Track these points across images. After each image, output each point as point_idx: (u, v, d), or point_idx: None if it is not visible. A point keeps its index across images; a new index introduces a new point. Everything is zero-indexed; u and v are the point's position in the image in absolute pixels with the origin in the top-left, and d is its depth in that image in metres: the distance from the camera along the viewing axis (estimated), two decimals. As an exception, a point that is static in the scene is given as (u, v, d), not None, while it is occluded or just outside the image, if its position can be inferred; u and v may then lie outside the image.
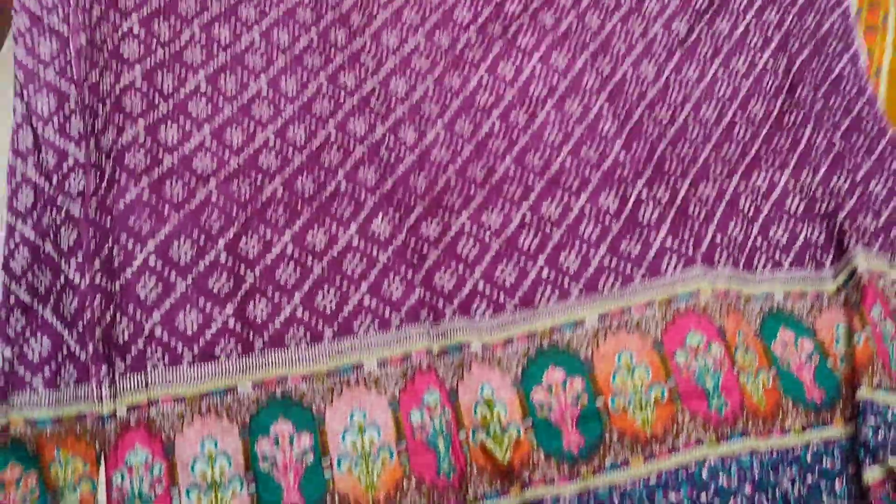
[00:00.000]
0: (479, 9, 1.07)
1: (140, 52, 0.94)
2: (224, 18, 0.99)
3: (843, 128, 1.05)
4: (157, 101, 0.92)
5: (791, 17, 1.14)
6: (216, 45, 0.97)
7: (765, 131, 1.04)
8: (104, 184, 0.86)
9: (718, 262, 0.90)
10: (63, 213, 0.84)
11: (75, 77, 0.90)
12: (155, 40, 0.95)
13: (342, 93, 0.97)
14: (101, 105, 0.90)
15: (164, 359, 0.80)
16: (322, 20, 1.02)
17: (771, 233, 0.95)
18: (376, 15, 1.04)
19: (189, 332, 0.81)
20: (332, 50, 1.00)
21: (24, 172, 0.86)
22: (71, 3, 0.94)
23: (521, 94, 1.01)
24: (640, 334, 0.85)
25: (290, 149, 0.93)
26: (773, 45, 1.11)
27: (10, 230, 0.84)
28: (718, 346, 0.84)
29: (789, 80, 1.09)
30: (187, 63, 0.95)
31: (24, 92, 0.89)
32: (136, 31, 0.95)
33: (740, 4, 1.14)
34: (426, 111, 0.99)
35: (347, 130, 0.95)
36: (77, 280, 0.81)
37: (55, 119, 0.88)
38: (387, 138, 0.95)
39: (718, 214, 0.94)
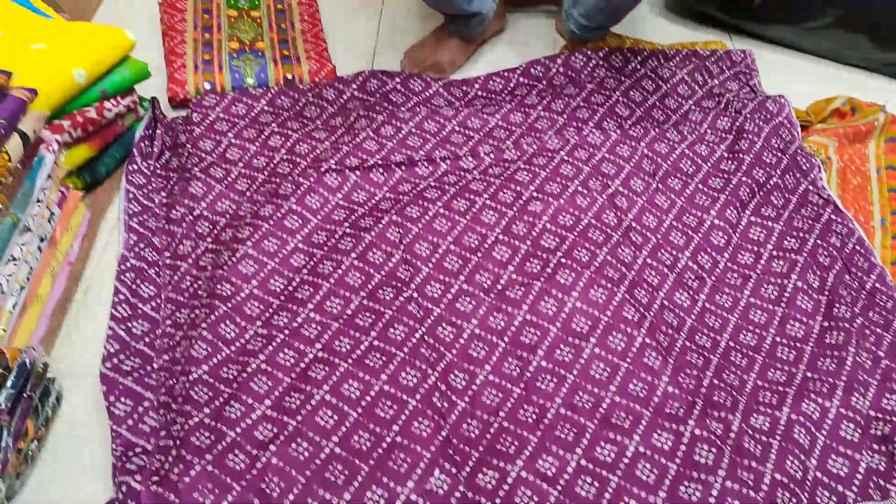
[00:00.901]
0: (517, 245, 1.13)
1: (208, 352, 1.01)
2: (282, 305, 1.07)
3: (885, 344, 1.06)
4: (222, 389, 0.96)
5: (813, 237, 1.19)
6: (275, 329, 1.04)
7: (808, 354, 1.05)
8: (167, 463, 0.88)
9: (781, 503, 0.89)
10: (123, 489, 0.86)
11: (153, 384, 0.95)
12: (221, 342, 1.02)
13: (391, 348, 1.01)
14: (172, 402, 0.95)
15: None
16: (371, 281, 1.09)
17: (829, 465, 0.94)
18: (421, 267, 1.10)
19: None
20: (380, 307, 1.06)
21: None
22: (157, 332, 1.06)
23: (565, 332, 1.04)
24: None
25: (345, 406, 0.96)
26: (799, 266, 1.15)
27: None
28: None
29: (825, 298, 1.11)
30: (249, 350, 1.01)
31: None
32: (205, 335, 1.02)
33: (759, 237, 1.19)
34: (473, 354, 1.02)
35: (399, 382, 0.98)
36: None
37: (130, 420, 0.94)
38: (438, 387, 0.98)
39: (775, 450, 0.93)
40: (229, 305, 1.06)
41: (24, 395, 0.93)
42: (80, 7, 1.62)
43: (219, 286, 1.09)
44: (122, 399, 0.99)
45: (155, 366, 1.02)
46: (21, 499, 0.94)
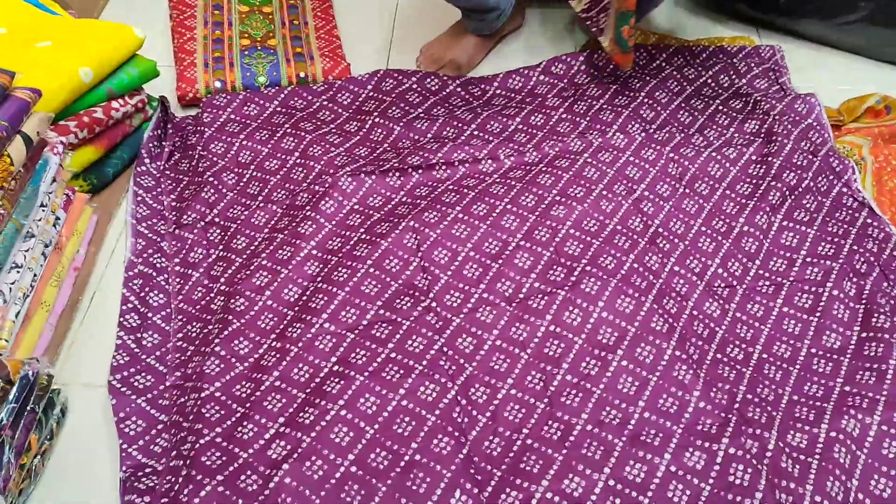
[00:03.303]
0: (539, 252, 1.09)
1: (220, 369, 0.97)
2: (296, 316, 1.04)
3: (927, 356, 1.01)
4: (235, 407, 0.92)
5: (849, 242, 1.13)
6: (289, 342, 1.00)
7: (845, 367, 1.00)
8: (177, 484, 0.84)
9: (823, 527, 0.84)
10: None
11: (167, 404, 0.93)
12: (234, 358, 0.98)
13: (409, 360, 0.97)
14: (184, 421, 0.91)
15: None
16: (387, 290, 1.04)
17: (871, 486, 0.89)
18: (439, 275, 1.06)
19: None
20: (397, 318, 1.01)
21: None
22: (168, 346, 1.03)
23: (590, 343, 0.99)
24: None
25: (361, 422, 0.91)
26: (835, 273, 1.10)
27: None
28: None
29: (863, 307, 1.06)
30: (263, 366, 0.97)
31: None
32: (218, 351, 0.99)
33: (791, 243, 1.14)
34: (495, 367, 0.97)
35: (418, 397, 0.94)
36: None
37: (141, 440, 0.92)
38: (459, 401, 0.94)
39: (814, 470, 0.88)
40: (243, 321, 1.02)
41: (27, 408, 0.90)
42: (88, 4, 1.58)
43: (232, 301, 1.05)
44: (134, 419, 0.95)
45: (167, 383, 0.98)
46: (23, 517, 0.91)
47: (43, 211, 1.03)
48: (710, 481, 0.87)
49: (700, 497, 0.86)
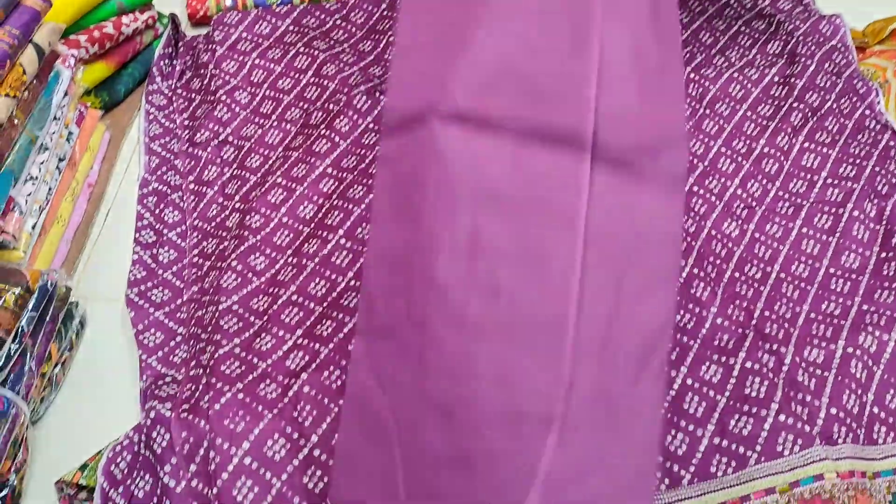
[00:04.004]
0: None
1: (237, 283, 0.97)
2: (312, 233, 1.04)
3: (948, 276, 1.00)
4: (253, 320, 0.93)
5: (870, 164, 1.12)
6: (305, 258, 1.00)
7: (864, 286, 0.99)
8: (197, 391, 0.85)
9: (838, 438, 0.84)
10: (152, 414, 0.83)
11: (185, 317, 0.95)
12: (251, 273, 0.99)
13: None
14: (202, 332, 0.93)
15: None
16: None
17: (887, 400, 0.89)
18: None
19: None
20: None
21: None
22: (185, 262, 1.03)
23: None
24: (764, 525, 0.79)
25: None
26: (856, 194, 1.08)
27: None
28: (851, 536, 0.78)
29: (883, 228, 1.05)
30: (280, 281, 0.97)
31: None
32: (235, 266, 0.99)
33: (812, 164, 1.13)
34: None
35: None
36: (172, 484, 0.79)
37: (160, 352, 0.93)
38: None
39: (830, 383, 0.88)
40: (259, 237, 1.02)
41: (47, 318, 0.90)
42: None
43: (247, 217, 1.05)
44: (152, 331, 0.96)
45: (184, 297, 0.99)
46: (45, 423, 0.92)
47: (56, 124, 1.02)
48: (726, 394, 0.88)
49: (716, 409, 0.87)
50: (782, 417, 0.85)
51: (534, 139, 0.55)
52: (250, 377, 0.88)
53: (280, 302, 0.96)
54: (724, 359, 0.90)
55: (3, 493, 0.83)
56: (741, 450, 0.83)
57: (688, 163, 1.09)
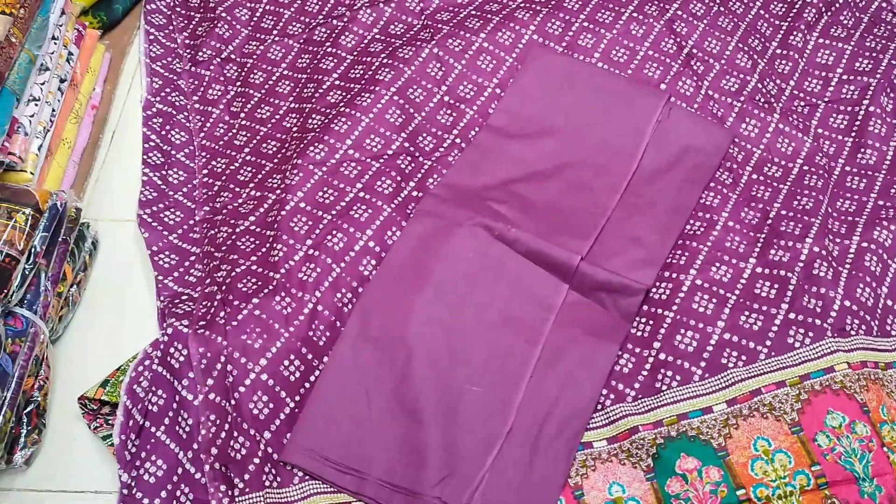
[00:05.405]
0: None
1: (253, 206, 0.98)
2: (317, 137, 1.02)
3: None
4: (266, 234, 0.94)
5: (887, 57, 1.09)
6: (313, 164, 1.00)
7: (880, 182, 0.98)
8: (213, 308, 0.86)
9: (850, 330, 0.84)
10: (170, 331, 0.84)
11: (197, 238, 0.96)
12: (268, 192, 0.99)
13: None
14: (216, 251, 0.94)
15: (277, 479, 0.79)
16: (411, 123, 1.02)
17: (902, 293, 0.89)
18: (465, 110, 1.03)
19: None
20: (423, 159, 1.02)
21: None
22: (195, 182, 1.03)
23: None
24: (775, 417, 0.79)
25: (384, 252, 0.92)
26: (872, 89, 1.05)
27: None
28: (863, 425, 0.78)
29: (899, 123, 1.03)
30: (289, 186, 0.97)
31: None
32: (252, 194, 1.00)
33: (827, 61, 1.10)
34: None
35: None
36: (190, 398, 0.81)
37: (175, 272, 0.94)
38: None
39: (844, 277, 0.88)
40: (274, 162, 1.03)
41: (59, 238, 0.91)
42: None
43: (263, 144, 1.05)
44: (167, 253, 0.96)
45: (197, 218, 0.99)
46: (64, 341, 0.93)
47: (55, 44, 1.00)
48: (737, 292, 0.87)
49: (725, 306, 0.86)
50: (792, 315, 0.85)
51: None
52: (265, 290, 0.88)
53: (288, 209, 0.95)
54: (734, 261, 0.90)
55: (29, 408, 0.85)
56: (751, 344, 0.83)
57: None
